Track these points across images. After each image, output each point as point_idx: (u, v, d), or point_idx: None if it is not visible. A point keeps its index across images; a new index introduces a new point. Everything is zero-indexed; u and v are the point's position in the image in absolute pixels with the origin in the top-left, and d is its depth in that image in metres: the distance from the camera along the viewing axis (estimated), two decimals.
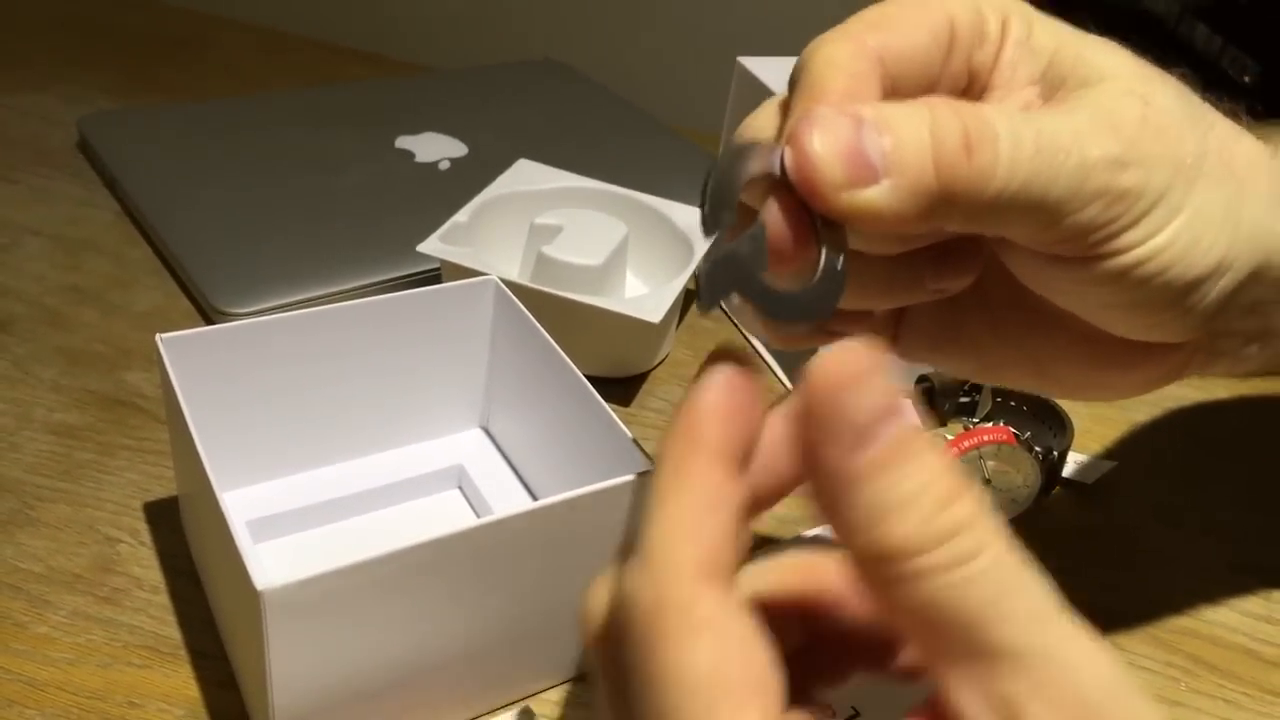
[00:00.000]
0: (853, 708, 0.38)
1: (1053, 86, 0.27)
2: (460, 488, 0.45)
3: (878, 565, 0.19)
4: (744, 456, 0.21)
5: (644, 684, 0.19)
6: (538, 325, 0.42)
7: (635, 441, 0.36)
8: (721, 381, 0.21)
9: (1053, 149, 0.24)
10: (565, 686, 0.38)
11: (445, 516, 0.44)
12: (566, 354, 0.51)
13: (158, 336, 0.37)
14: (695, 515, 0.20)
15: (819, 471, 0.19)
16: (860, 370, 0.19)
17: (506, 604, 0.35)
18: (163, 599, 0.39)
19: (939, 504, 0.18)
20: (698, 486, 0.20)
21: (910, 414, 0.19)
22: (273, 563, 0.40)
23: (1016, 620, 0.18)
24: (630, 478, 0.35)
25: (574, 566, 0.36)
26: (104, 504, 0.43)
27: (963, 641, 0.18)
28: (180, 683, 0.37)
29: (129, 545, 0.41)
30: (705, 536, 0.20)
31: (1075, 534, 0.47)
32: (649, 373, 0.55)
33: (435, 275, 0.56)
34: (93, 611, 0.38)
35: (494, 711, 0.37)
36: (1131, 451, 0.51)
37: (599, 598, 0.22)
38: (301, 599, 0.30)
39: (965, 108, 0.24)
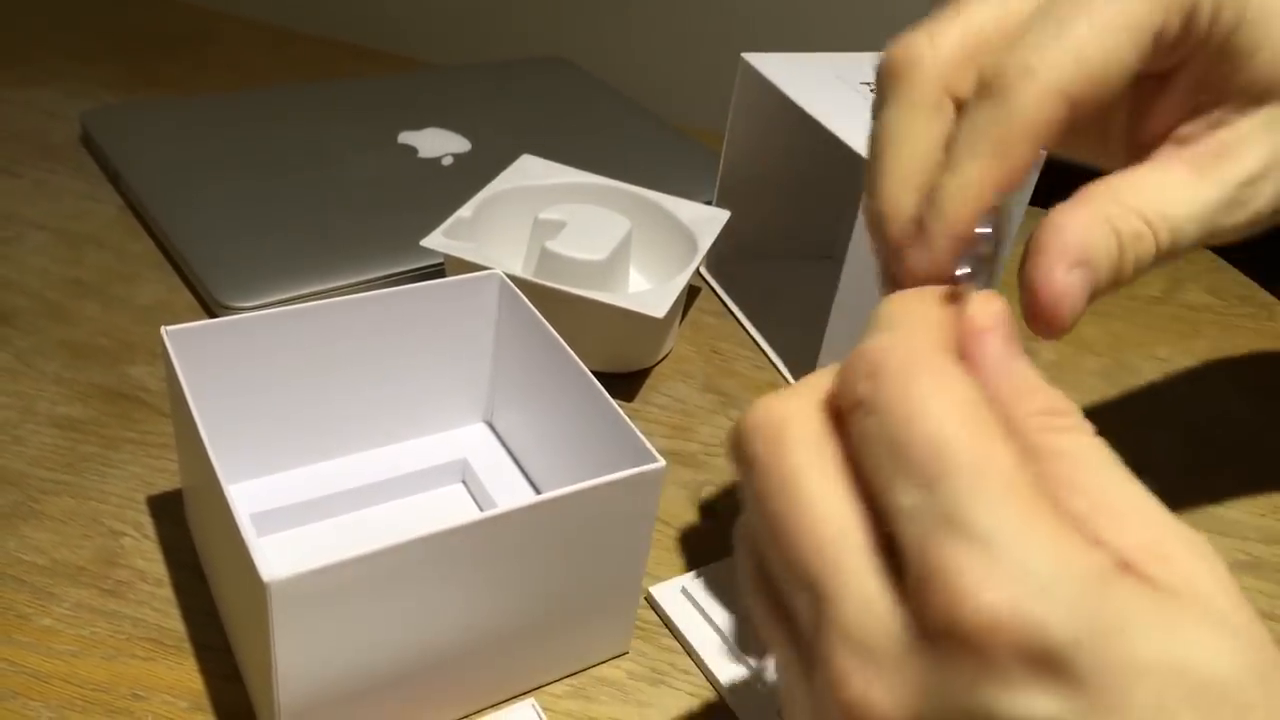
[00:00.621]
0: None
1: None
2: (464, 482, 0.45)
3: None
4: None
5: (900, 424, 0.21)
6: (542, 320, 0.42)
7: (643, 439, 0.36)
8: None
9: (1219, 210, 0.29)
10: (571, 680, 0.38)
11: (449, 511, 0.44)
12: (571, 350, 0.51)
13: (163, 329, 0.37)
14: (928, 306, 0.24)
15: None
16: None
17: (512, 597, 0.35)
18: (166, 592, 0.39)
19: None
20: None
21: None
22: (276, 556, 0.40)
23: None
24: (636, 470, 0.35)
25: (580, 560, 0.36)
26: (108, 497, 0.43)
27: None
28: (185, 675, 0.37)
29: (133, 538, 0.41)
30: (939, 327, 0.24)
31: None
32: (652, 368, 0.55)
33: (439, 271, 0.56)
34: (96, 604, 0.38)
35: (500, 705, 0.37)
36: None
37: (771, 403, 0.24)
38: (308, 591, 0.30)
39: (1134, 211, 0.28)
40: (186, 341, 0.38)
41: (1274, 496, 0.51)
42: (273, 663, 0.31)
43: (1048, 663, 0.19)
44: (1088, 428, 0.22)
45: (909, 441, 0.20)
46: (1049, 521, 0.19)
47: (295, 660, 0.31)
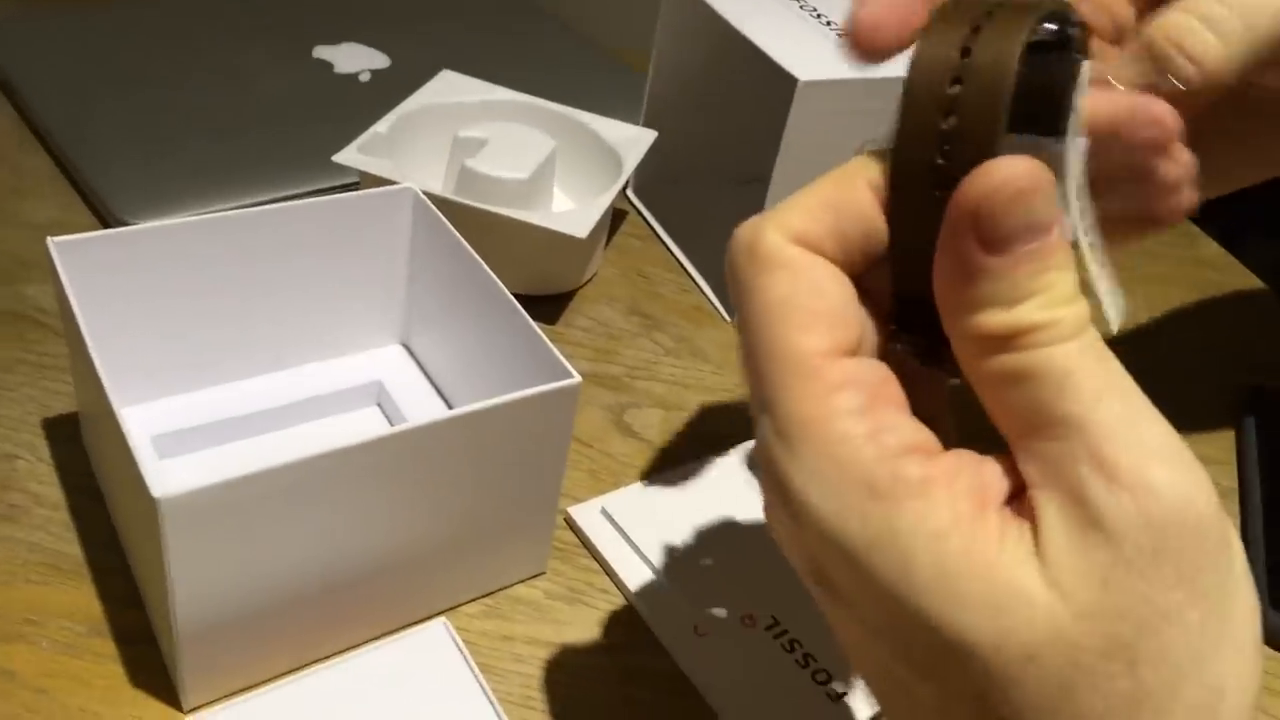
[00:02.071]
0: (773, 616, 0.38)
1: None
2: (379, 405, 0.44)
3: (981, 341, 0.21)
4: None
5: (738, 308, 0.23)
6: (459, 237, 0.40)
7: (560, 356, 0.35)
8: None
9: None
10: (487, 600, 0.38)
11: (363, 434, 0.43)
12: (492, 270, 0.50)
13: (49, 240, 0.35)
14: (801, 196, 0.23)
15: (958, 243, 0.21)
16: (1035, 183, 0.20)
17: (423, 516, 0.34)
18: (63, 516, 0.38)
19: (1051, 300, 0.20)
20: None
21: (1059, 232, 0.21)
22: (181, 478, 0.39)
23: (1083, 396, 0.20)
24: (551, 386, 0.34)
25: (494, 479, 0.35)
26: (1, 420, 0.41)
27: (1035, 411, 0.20)
28: (82, 600, 0.35)
29: (26, 461, 0.39)
30: (803, 215, 0.23)
31: None
32: (576, 291, 0.54)
33: (354, 190, 0.54)
34: None
35: (410, 625, 0.36)
36: None
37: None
38: (202, 508, 0.29)
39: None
40: (76, 254, 0.36)
41: (1189, 414, 0.52)
42: (169, 584, 0.29)
43: (819, 571, 0.21)
44: (1079, 331, 0.21)
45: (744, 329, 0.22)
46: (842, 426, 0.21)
47: (192, 581, 0.30)
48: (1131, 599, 0.18)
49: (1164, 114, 0.23)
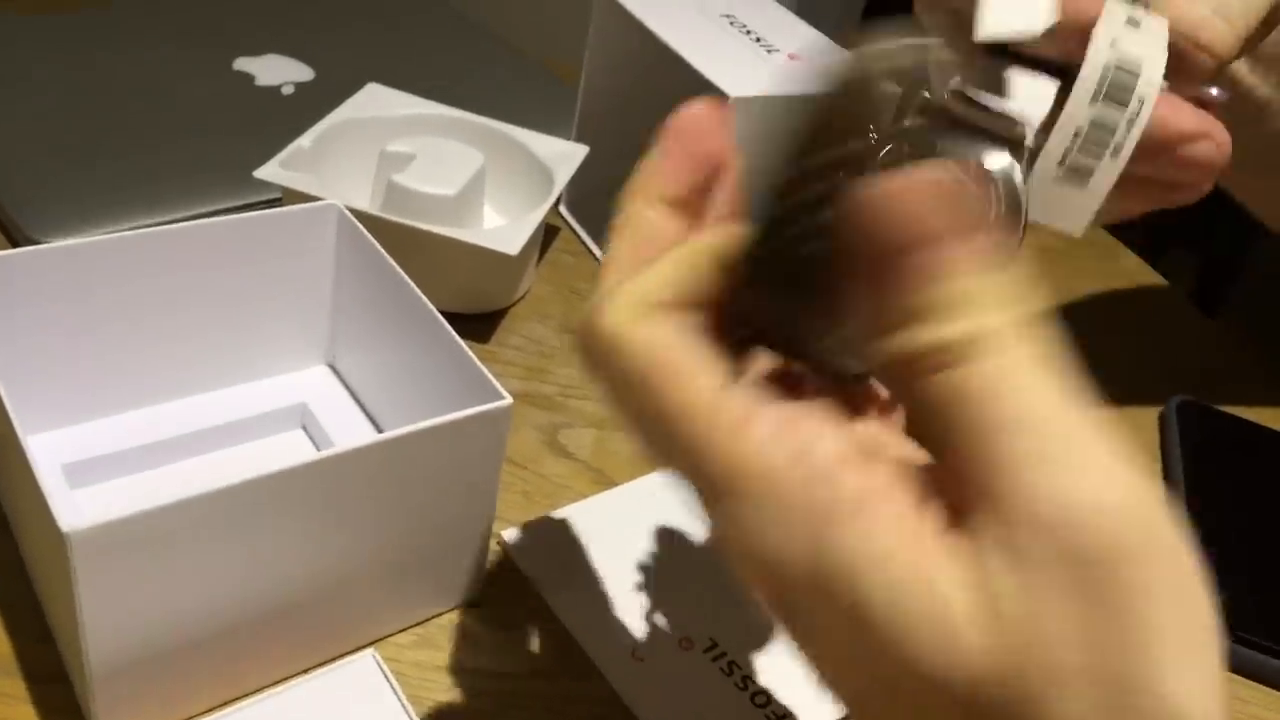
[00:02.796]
0: (711, 639, 0.37)
1: None
2: (304, 427, 0.43)
3: (893, 366, 0.20)
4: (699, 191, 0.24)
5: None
6: (384, 254, 0.39)
7: (490, 377, 0.34)
8: (673, 128, 0.25)
9: None
10: (418, 629, 0.37)
11: (288, 458, 0.41)
12: (420, 289, 0.49)
13: None
14: (630, 251, 0.23)
15: (875, 261, 0.19)
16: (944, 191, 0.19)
17: (350, 544, 0.33)
18: None
19: (958, 315, 0.19)
20: (633, 227, 0.24)
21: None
22: (92, 508, 0.37)
23: (1004, 423, 0.18)
24: (481, 409, 0.33)
25: (423, 504, 0.34)
26: None
27: (955, 439, 0.19)
28: None
29: None
30: (643, 273, 0.22)
31: None
32: (509, 309, 0.53)
33: (277, 207, 0.53)
34: None
35: (339, 658, 0.35)
36: None
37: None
38: (114, 541, 0.27)
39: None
40: None
41: (1115, 426, 0.53)
42: (79, 621, 0.28)
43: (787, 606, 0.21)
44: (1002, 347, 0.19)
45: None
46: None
47: (104, 618, 0.28)
48: (1063, 627, 0.18)
49: (1226, 140, 0.24)
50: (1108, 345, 0.60)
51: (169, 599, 0.30)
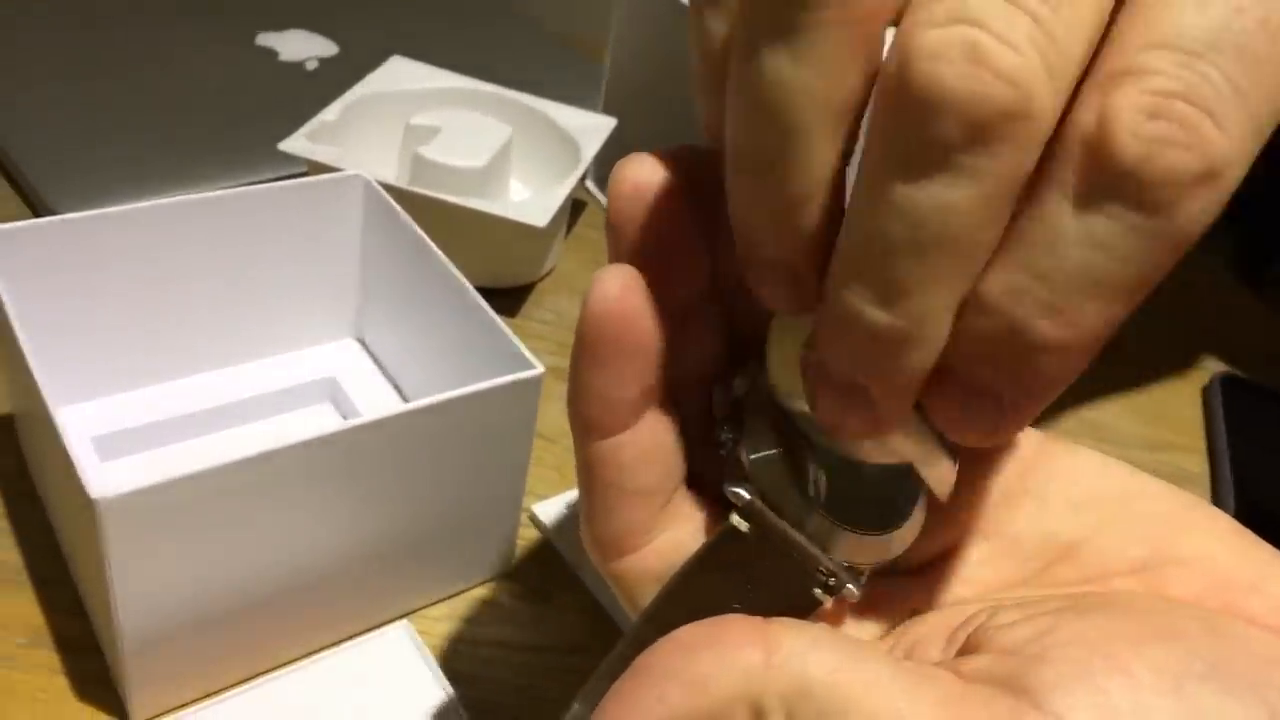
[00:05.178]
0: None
1: None
2: (333, 401, 0.43)
3: None
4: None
5: None
6: (412, 224, 0.39)
7: (521, 346, 0.34)
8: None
9: None
10: (449, 602, 0.36)
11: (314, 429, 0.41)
12: (443, 254, 0.48)
13: None
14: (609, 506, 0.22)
15: None
16: None
17: (380, 516, 0.32)
18: (1, 523, 0.36)
19: None
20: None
21: None
22: (120, 479, 0.37)
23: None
24: (512, 377, 0.32)
25: (454, 475, 0.33)
26: None
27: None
28: (23, 609, 0.33)
29: None
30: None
31: None
32: (535, 284, 0.52)
33: None
34: None
35: (370, 630, 0.34)
36: None
37: None
38: (143, 510, 0.27)
39: None
40: (8, 245, 0.34)
41: (1158, 401, 0.52)
42: (110, 591, 0.28)
43: None
44: None
45: None
46: None
47: (134, 588, 0.28)
48: None
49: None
50: (1151, 320, 0.59)
51: (199, 569, 0.29)
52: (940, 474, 0.20)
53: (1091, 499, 0.22)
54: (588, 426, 0.21)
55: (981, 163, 0.15)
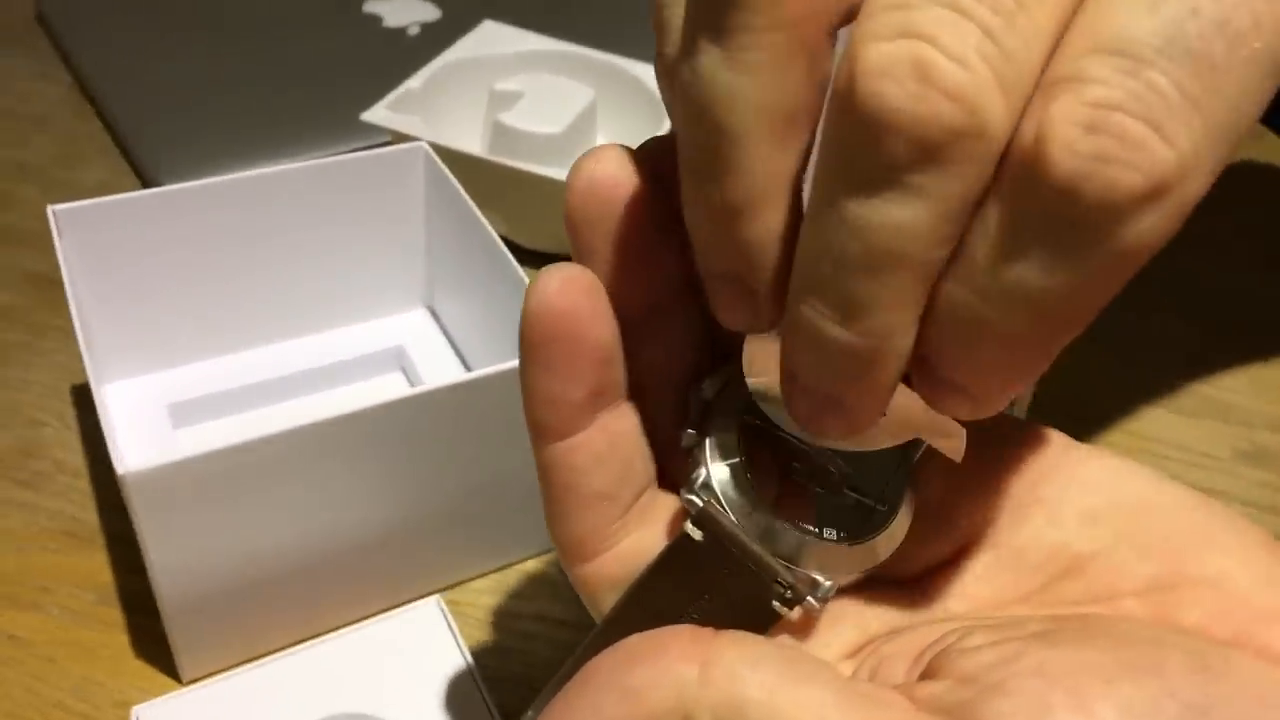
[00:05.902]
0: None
1: None
2: (403, 369, 0.43)
3: None
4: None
5: None
6: (465, 197, 0.39)
7: None
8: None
9: None
10: (496, 575, 0.37)
11: (364, 402, 0.42)
12: (525, 230, 0.48)
13: (50, 208, 0.35)
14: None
15: None
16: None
17: (430, 486, 0.33)
18: (84, 483, 0.38)
19: None
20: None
21: None
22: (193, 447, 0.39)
23: None
24: None
25: (509, 447, 0.33)
26: (30, 386, 0.41)
27: None
28: (94, 568, 0.35)
29: (53, 429, 0.40)
30: None
31: None
32: None
33: None
34: (11, 495, 0.37)
35: (411, 601, 0.35)
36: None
37: None
38: (173, 483, 0.28)
39: None
40: (80, 222, 0.36)
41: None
42: (147, 559, 0.29)
43: None
44: None
45: None
46: None
47: (169, 558, 0.29)
48: None
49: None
50: (1275, 281, 0.53)
51: (235, 541, 0.30)
52: (950, 442, 0.19)
53: (1107, 509, 0.20)
54: (537, 430, 0.20)
55: (932, 182, 0.14)
